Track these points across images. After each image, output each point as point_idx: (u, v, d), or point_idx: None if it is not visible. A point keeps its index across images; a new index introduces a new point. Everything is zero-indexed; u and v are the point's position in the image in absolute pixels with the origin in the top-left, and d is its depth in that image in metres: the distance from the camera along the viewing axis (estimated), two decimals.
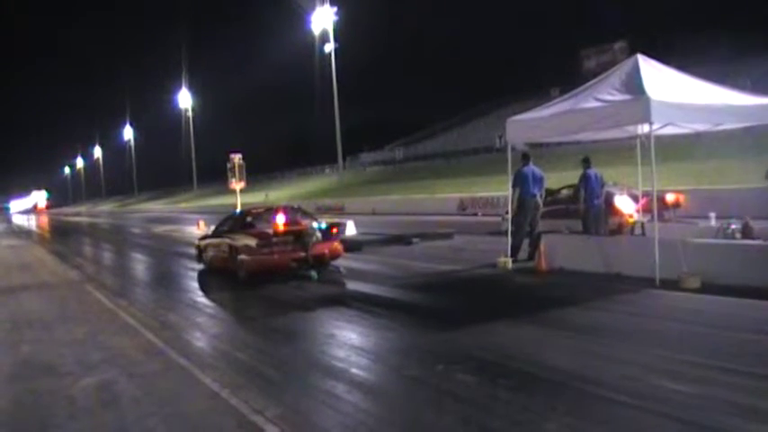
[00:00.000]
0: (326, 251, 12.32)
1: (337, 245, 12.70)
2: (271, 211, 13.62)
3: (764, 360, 5.62)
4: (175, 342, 7.73)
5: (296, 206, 14.82)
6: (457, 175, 43.18)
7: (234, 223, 13.76)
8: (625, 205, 13.16)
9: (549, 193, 14.67)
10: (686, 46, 41.70)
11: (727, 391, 4.92)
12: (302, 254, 11.96)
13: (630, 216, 12.65)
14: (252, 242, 12.02)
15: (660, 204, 11.39)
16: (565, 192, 16.26)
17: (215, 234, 14.28)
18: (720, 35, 41.05)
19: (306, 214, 14.06)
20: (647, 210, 12.25)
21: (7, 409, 5.65)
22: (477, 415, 4.82)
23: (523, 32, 70.37)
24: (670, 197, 14.52)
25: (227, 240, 13.03)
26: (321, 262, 12.34)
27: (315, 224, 12.60)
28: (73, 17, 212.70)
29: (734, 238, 10.23)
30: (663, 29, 48.15)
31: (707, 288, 8.38)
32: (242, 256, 12.20)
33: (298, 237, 12.05)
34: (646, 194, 12.42)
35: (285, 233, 12.03)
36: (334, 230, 12.61)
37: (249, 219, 13.66)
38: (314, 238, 12.06)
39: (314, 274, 12.08)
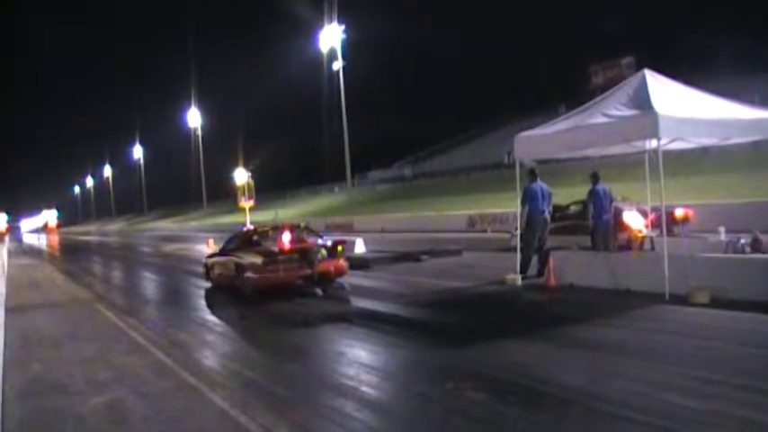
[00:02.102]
0: (332, 268, 12.40)
1: (342, 262, 12.77)
2: (276, 229, 13.69)
3: None
4: (185, 361, 7.74)
5: (302, 224, 14.88)
6: (466, 192, 43.16)
7: (240, 241, 13.81)
8: (634, 220, 13.13)
9: (558, 209, 14.66)
10: (694, 61, 41.73)
11: (740, 407, 4.88)
12: (308, 271, 12.00)
13: (639, 231, 12.63)
14: (258, 260, 12.07)
15: (669, 219, 11.37)
16: (573, 208, 16.24)
17: (222, 252, 14.34)
18: (728, 50, 41.09)
19: (311, 232, 14.12)
20: (656, 225, 12.22)
21: (17, 427, 5.66)
22: None
23: (531, 48, 70.51)
24: (679, 212, 14.49)
25: (234, 258, 13.09)
26: (326, 279, 12.41)
27: (320, 241, 12.65)
28: (82, 34, 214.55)
29: (743, 252, 10.20)
30: (670, 44, 48.21)
31: (717, 303, 8.34)
32: (248, 274, 12.24)
33: (303, 254, 12.10)
34: (655, 209, 12.39)
35: (291, 251, 12.08)
36: (340, 248, 12.70)
37: (255, 237, 13.70)
38: (319, 256, 12.12)
39: (319, 291, 12.13)
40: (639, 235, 12.54)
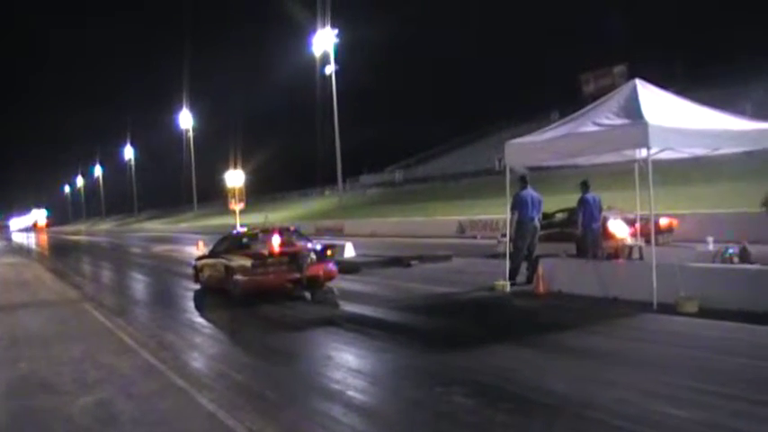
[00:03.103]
0: (321, 272, 12.38)
1: (332, 266, 12.76)
2: (266, 232, 13.67)
3: (762, 385, 5.60)
4: (173, 362, 7.73)
5: (291, 228, 14.86)
6: (456, 198, 43.20)
7: (230, 244, 13.79)
8: (618, 229, 13.18)
9: (545, 216, 14.69)
10: (685, 71, 42.01)
11: (726, 416, 4.91)
12: (297, 275, 11.99)
13: (624, 240, 12.66)
14: (247, 263, 12.04)
15: (653, 229, 11.42)
16: (559, 215, 16.31)
17: (211, 254, 14.30)
18: (720, 60, 41.39)
19: (301, 236, 14.11)
20: (643, 234, 12.28)
21: (4, 427, 5.64)
22: None
23: (523, 56, 70.65)
24: (663, 221, 14.60)
25: (223, 261, 13.06)
26: (316, 283, 12.39)
27: (310, 245, 12.65)
28: (73, 35, 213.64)
29: (731, 262, 10.25)
30: (662, 54, 48.44)
31: (705, 312, 8.37)
32: (237, 277, 12.22)
33: (293, 258, 12.09)
34: (641, 218, 12.45)
35: (280, 254, 12.07)
36: (329, 252, 12.69)
37: (245, 240, 13.68)
38: (309, 260, 12.12)
39: (308, 295, 12.12)
40: (625, 243, 12.56)
